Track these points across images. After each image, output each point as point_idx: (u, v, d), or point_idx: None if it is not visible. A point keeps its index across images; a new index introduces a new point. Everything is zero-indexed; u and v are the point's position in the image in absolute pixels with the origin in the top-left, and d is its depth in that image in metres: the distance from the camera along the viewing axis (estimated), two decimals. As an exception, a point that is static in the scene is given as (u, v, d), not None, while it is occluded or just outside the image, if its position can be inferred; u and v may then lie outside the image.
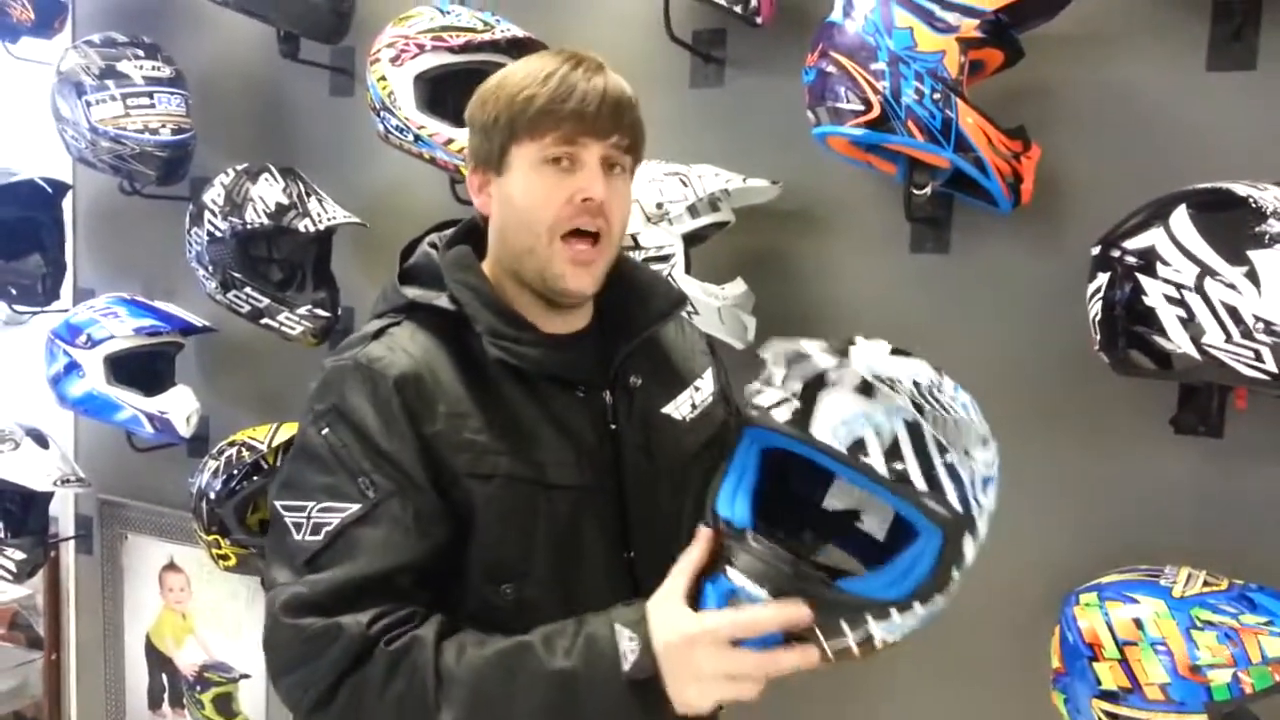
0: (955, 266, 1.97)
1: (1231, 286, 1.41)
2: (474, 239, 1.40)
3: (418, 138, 2.22)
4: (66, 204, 3.04)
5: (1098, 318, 1.56)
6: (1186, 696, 1.41)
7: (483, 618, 1.25)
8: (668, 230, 1.93)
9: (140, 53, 2.68)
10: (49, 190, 2.90)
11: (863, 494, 1.24)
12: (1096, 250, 1.58)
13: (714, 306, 1.93)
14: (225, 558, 2.63)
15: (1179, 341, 1.45)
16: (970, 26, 1.62)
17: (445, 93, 2.20)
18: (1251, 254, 1.40)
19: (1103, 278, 1.55)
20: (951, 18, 1.62)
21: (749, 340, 2.00)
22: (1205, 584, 1.49)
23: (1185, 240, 1.45)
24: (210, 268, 2.51)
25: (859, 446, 1.06)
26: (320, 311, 2.51)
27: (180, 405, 2.69)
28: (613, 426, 1.37)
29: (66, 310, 2.91)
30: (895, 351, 1.17)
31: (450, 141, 2.18)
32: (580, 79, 1.27)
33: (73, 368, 2.69)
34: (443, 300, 1.33)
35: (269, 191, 2.45)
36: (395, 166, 2.47)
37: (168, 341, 2.77)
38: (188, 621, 3.14)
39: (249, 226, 2.44)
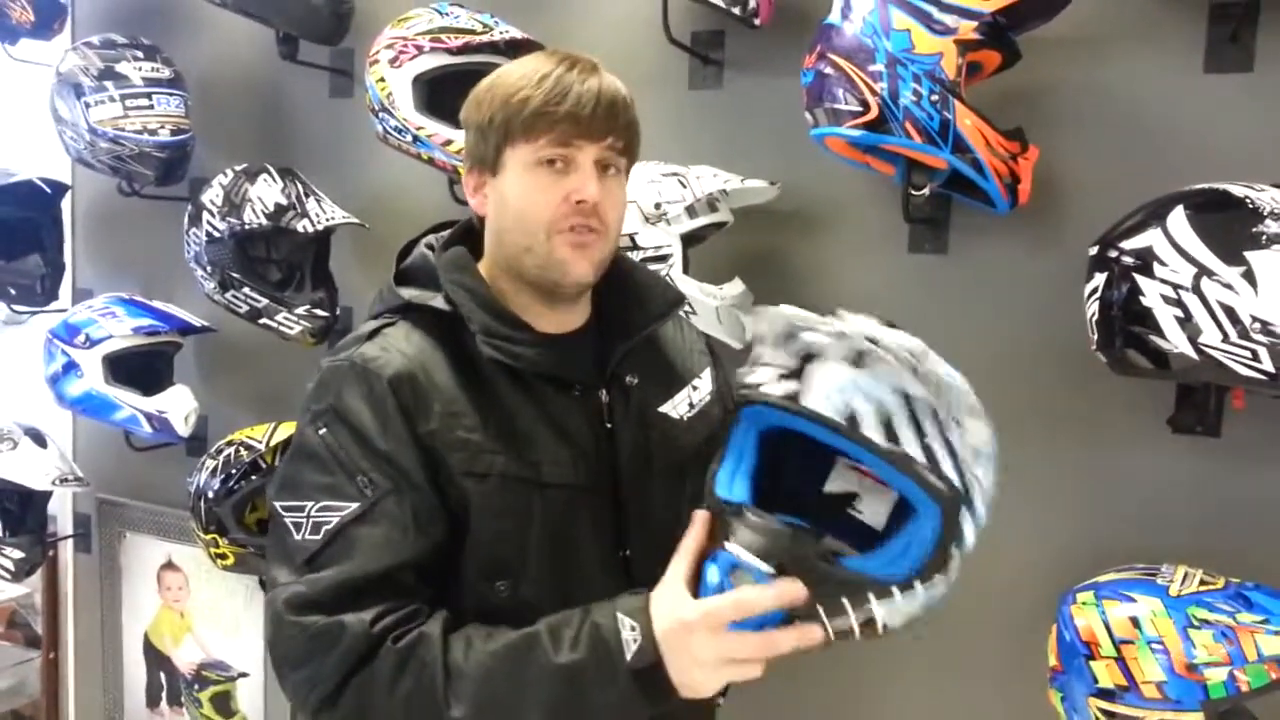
0: (953, 267, 1.98)
1: (1228, 287, 1.41)
2: (470, 240, 1.41)
3: (416, 139, 2.22)
4: (65, 204, 3.03)
5: (1095, 318, 1.57)
6: (1183, 695, 1.42)
7: (479, 615, 1.25)
8: (666, 231, 1.93)
9: (139, 54, 2.68)
10: (48, 191, 2.90)
11: (859, 480, 1.24)
12: (1094, 250, 1.58)
13: (712, 306, 1.94)
14: (223, 557, 2.63)
15: (1176, 341, 1.46)
16: (968, 28, 1.63)
17: (444, 94, 2.20)
18: (1248, 254, 1.41)
19: (1100, 278, 1.55)
20: (949, 20, 1.63)
21: (747, 340, 2.00)
22: (1202, 583, 1.50)
23: (1182, 241, 1.45)
24: (209, 268, 2.51)
25: (853, 417, 1.06)
26: (318, 311, 2.51)
27: (178, 405, 2.68)
28: (609, 426, 1.37)
29: (65, 310, 2.91)
30: (885, 322, 1.16)
31: (449, 143, 2.19)
32: (575, 80, 1.27)
33: (71, 367, 2.69)
34: (438, 301, 1.34)
35: (267, 192, 2.46)
36: (394, 167, 2.48)
37: (166, 341, 2.77)
38: (186, 620, 3.14)
39: (247, 227, 2.44)
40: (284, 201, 2.44)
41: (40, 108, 2.78)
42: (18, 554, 2.92)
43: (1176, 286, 1.45)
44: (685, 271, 1.95)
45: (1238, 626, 1.43)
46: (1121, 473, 1.83)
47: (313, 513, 1.24)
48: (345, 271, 2.61)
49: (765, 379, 1.14)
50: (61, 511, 3.37)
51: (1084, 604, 1.52)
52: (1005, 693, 1.90)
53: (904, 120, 1.63)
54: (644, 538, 1.37)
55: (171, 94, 2.66)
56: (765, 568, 1.10)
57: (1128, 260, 1.51)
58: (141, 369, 2.73)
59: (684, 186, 1.94)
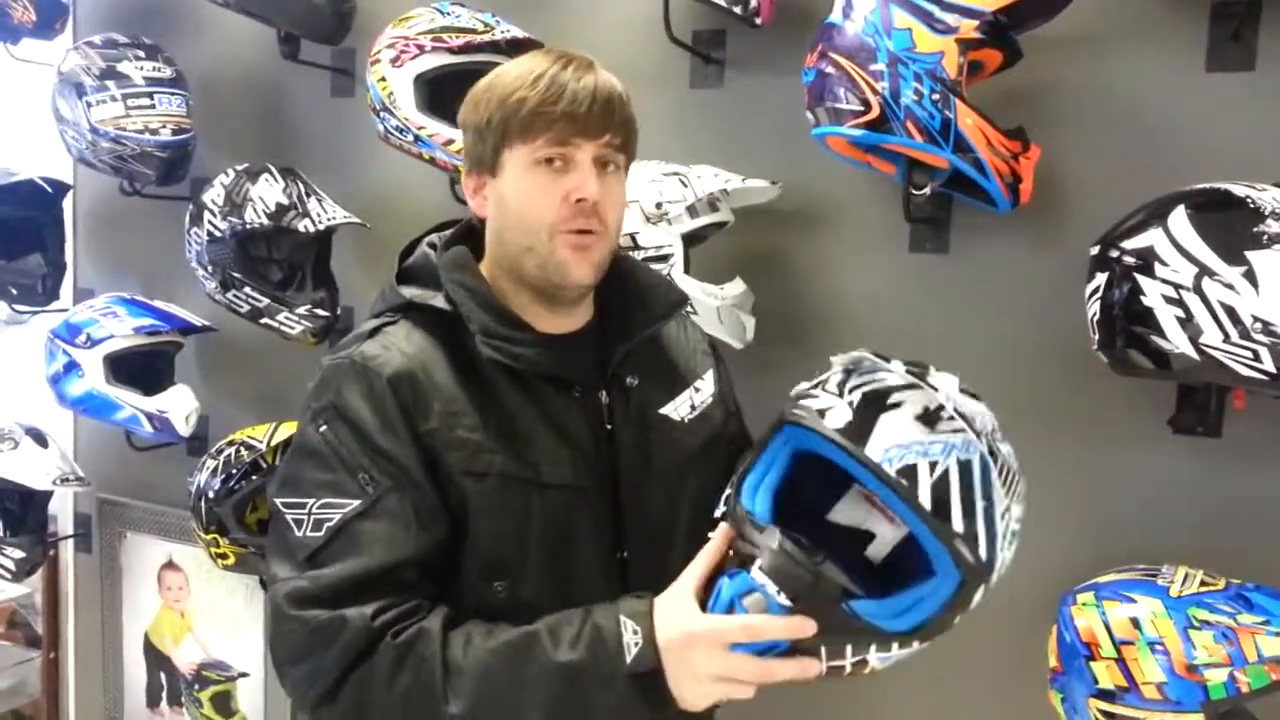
0: (954, 267, 1.98)
1: (1230, 287, 1.41)
2: (472, 239, 1.41)
3: (417, 138, 2.22)
4: (67, 204, 3.03)
5: (1096, 317, 1.57)
6: (1183, 696, 1.41)
7: (477, 615, 1.25)
8: (667, 230, 1.93)
9: (141, 54, 2.69)
10: (49, 190, 2.90)
11: (869, 509, 1.24)
12: (1095, 250, 1.58)
13: (713, 306, 1.94)
14: (224, 557, 2.63)
15: (1177, 341, 1.45)
16: (969, 27, 1.63)
17: (445, 93, 2.19)
18: (1250, 254, 1.41)
19: (1101, 278, 1.55)
20: (950, 19, 1.62)
21: (748, 340, 2.01)
22: (1202, 583, 1.49)
23: (1184, 240, 1.45)
24: (210, 267, 2.51)
25: (909, 473, 1.05)
26: (320, 311, 2.51)
27: (179, 404, 2.68)
28: (609, 427, 1.37)
29: (66, 310, 2.91)
30: (964, 390, 1.16)
31: (450, 142, 2.19)
32: (570, 79, 1.27)
33: (72, 367, 2.69)
34: (439, 300, 1.34)
35: (269, 192, 2.46)
36: (395, 167, 2.48)
37: (167, 341, 2.77)
38: (186, 620, 3.14)
39: (249, 226, 2.44)
40: (285, 201, 2.44)
41: (42, 107, 2.78)
42: (18, 554, 2.93)
43: (1178, 286, 1.45)
44: (686, 271, 1.95)
45: (1238, 628, 1.42)
46: (1122, 473, 1.83)
47: (314, 510, 1.25)
48: (346, 271, 2.61)
49: (826, 406, 1.13)
50: (62, 511, 3.37)
51: (1084, 605, 1.52)
52: (1005, 693, 1.90)
53: (905, 119, 1.63)
54: (642, 539, 1.37)
55: (173, 93, 2.67)
56: (784, 601, 1.09)
57: (1129, 260, 1.50)
58: (142, 369, 2.73)
59: (685, 186, 1.94)
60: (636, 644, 1.15)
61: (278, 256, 2.57)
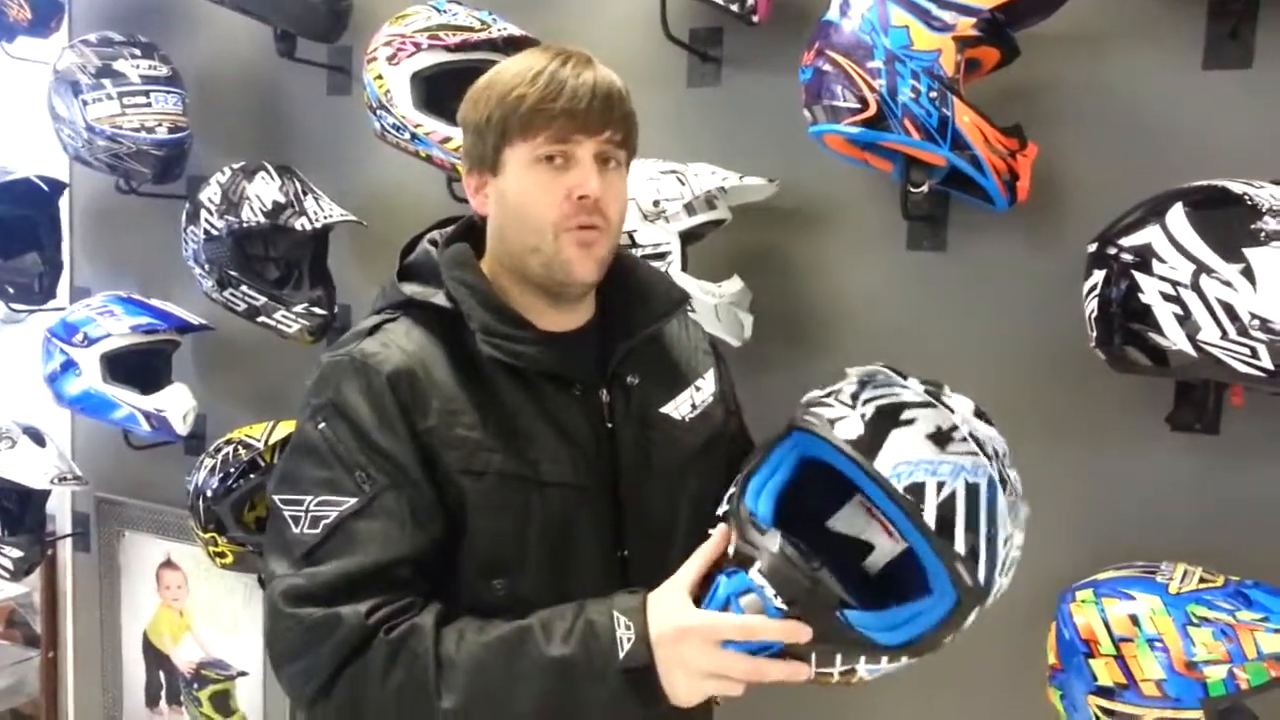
0: (952, 264, 1.97)
1: (1227, 284, 1.41)
2: (473, 236, 1.41)
3: (414, 136, 2.22)
4: (63, 203, 3.04)
5: (1094, 315, 1.57)
6: (1182, 692, 1.41)
7: (476, 614, 1.25)
8: (664, 228, 1.93)
9: (137, 52, 2.68)
10: (45, 189, 2.90)
11: (870, 526, 1.24)
12: (1093, 247, 1.58)
13: (711, 304, 1.93)
14: (222, 555, 2.63)
15: (1175, 338, 1.45)
16: (967, 25, 1.62)
17: (442, 91, 2.19)
18: (1247, 251, 1.41)
19: (1099, 275, 1.55)
20: (948, 16, 1.62)
21: (746, 338, 2.01)
22: (1201, 580, 1.50)
23: (1181, 237, 1.45)
24: (207, 266, 2.51)
25: (916, 491, 1.06)
26: (317, 310, 2.50)
27: (177, 403, 2.68)
28: (609, 425, 1.37)
29: (63, 309, 2.91)
30: (978, 413, 1.16)
31: (447, 140, 2.18)
32: (569, 75, 1.27)
33: (69, 366, 2.69)
34: (439, 298, 1.34)
35: (265, 190, 2.45)
36: (392, 165, 2.47)
37: (164, 340, 2.77)
38: (185, 619, 3.14)
39: (245, 225, 2.43)
40: (282, 199, 2.44)
41: (38, 105, 2.77)
42: (16, 553, 2.93)
43: (1175, 283, 1.45)
44: (684, 269, 1.94)
45: (1237, 624, 1.42)
46: (1120, 470, 1.83)
47: (311, 507, 1.25)
48: (343, 269, 2.61)
49: (839, 416, 1.13)
50: (60, 510, 3.37)
51: (1083, 602, 1.52)
52: (1004, 691, 1.90)
53: (902, 117, 1.63)
54: (642, 538, 1.37)
55: (169, 91, 2.66)
56: (780, 604, 1.10)
57: (1127, 257, 1.50)
58: (140, 367, 2.73)
59: (682, 184, 1.94)
60: (629, 639, 1.16)
61: (275, 255, 2.57)
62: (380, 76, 2.22)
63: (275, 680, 1.28)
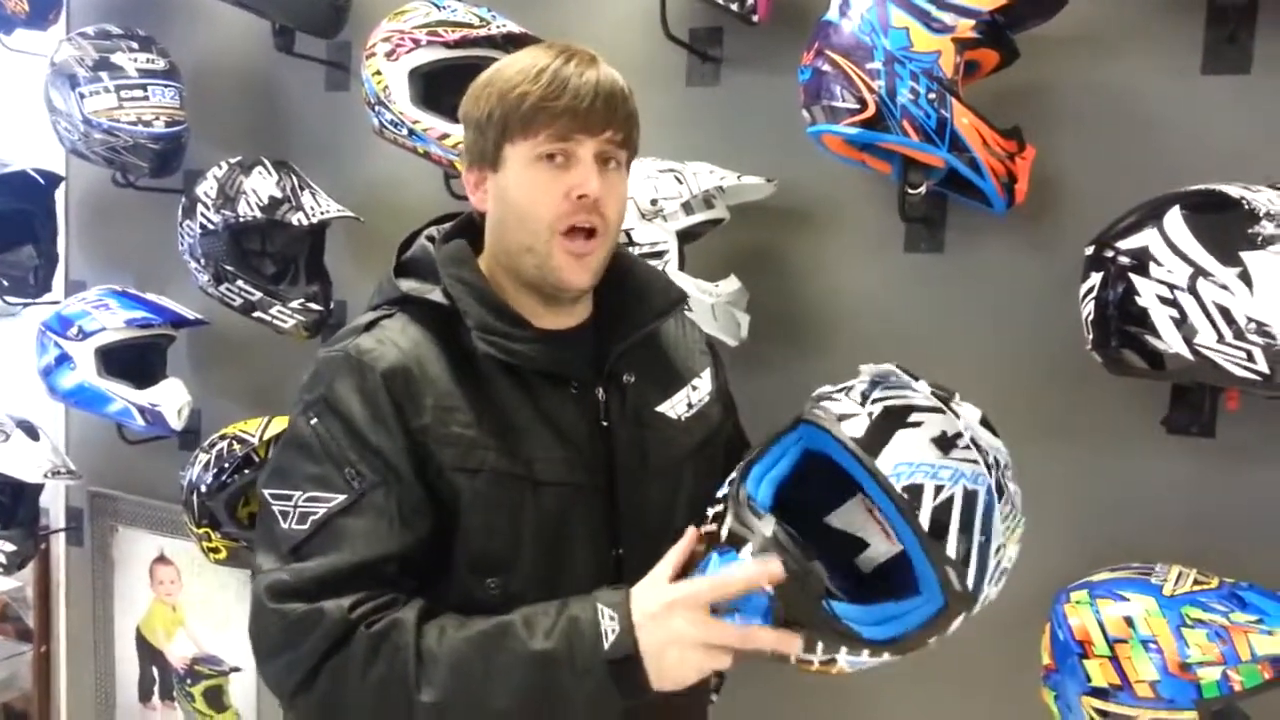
0: (949, 266, 1.98)
1: (1224, 287, 1.41)
2: (471, 233, 1.41)
3: (412, 132, 2.22)
4: (59, 196, 3.03)
5: (1090, 317, 1.57)
6: (1176, 694, 1.42)
7: (468, 611, 1.25)
8: (662, 227, 1.93)
9: (134, 45, 2.68)
10: (41, 182, 2.90)
11: (868, 525, 1.25)
12: (1090, 250, 1.58)
13: (708, 303, 1.93)
14: (216, 551, 2.63)
15: (1171, 342, 1.46)
16: (966, 27, 1.63)
17: (440, 88, 2.19)
18: (1244, 255, 1.41)
19: (1096, 277, 1.55)
20: (947, 18, 1.63)
21: (742, 337, 2.01)
22: (1196, 582, 1.50)
23: (1178, 241, 1.45)
24: (203, 260, 2.50)
25: (914, 492, 1.07)
26: (313, 305, 2.50)
27: (171, 398, 2.67)
28: (605, 424, 1.37)
29: (58, 302, 2.90)
30: (984, 422, 1.16)
31: (445, 136, 2.18)
32: (572, 74, 1.26)
33: (64, 360, 2.69)
34: (436, 294, 1.34)
35: (262, 185, 2.45)
36: (390, 161, 2.47)
37: (159, 334, 2.76)
38: (178, 614, 3.14)
39: (242, 219, 2.43)
40: (279, 194, 2.43)
41: (34, 98, 2.77)
42: (9, 547, 2.92)
43: (1172, 287, 1.45)
44: (681, 268, 1.94)
45: (1231, 626, 1.43)
46: (1116, 472, 1.84)
47: (300, 502, 1.25)
48: (340, 265, 2.61)
49: (847, 412, 1.14)
50: (54, 504, 3.37)
51: (1078, 603, 1.52)
52: (998, 692, 1.90)
53: (901, 118, 1.63)
54: (638, 537, 1.36)
55: (166, 85, 2.66)
56: (768, 589, 1.10)
57: (1124, 260, 1.51)
58: (134, 362, 2.73)
59: (680, 183, 1.94)
60: (614, 630, 1.16)
61: (271, 250, 2.57)
62: (379, 72, 2.22)
63: (260, 672, 1.28)
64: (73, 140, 2.69)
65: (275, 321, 2.50)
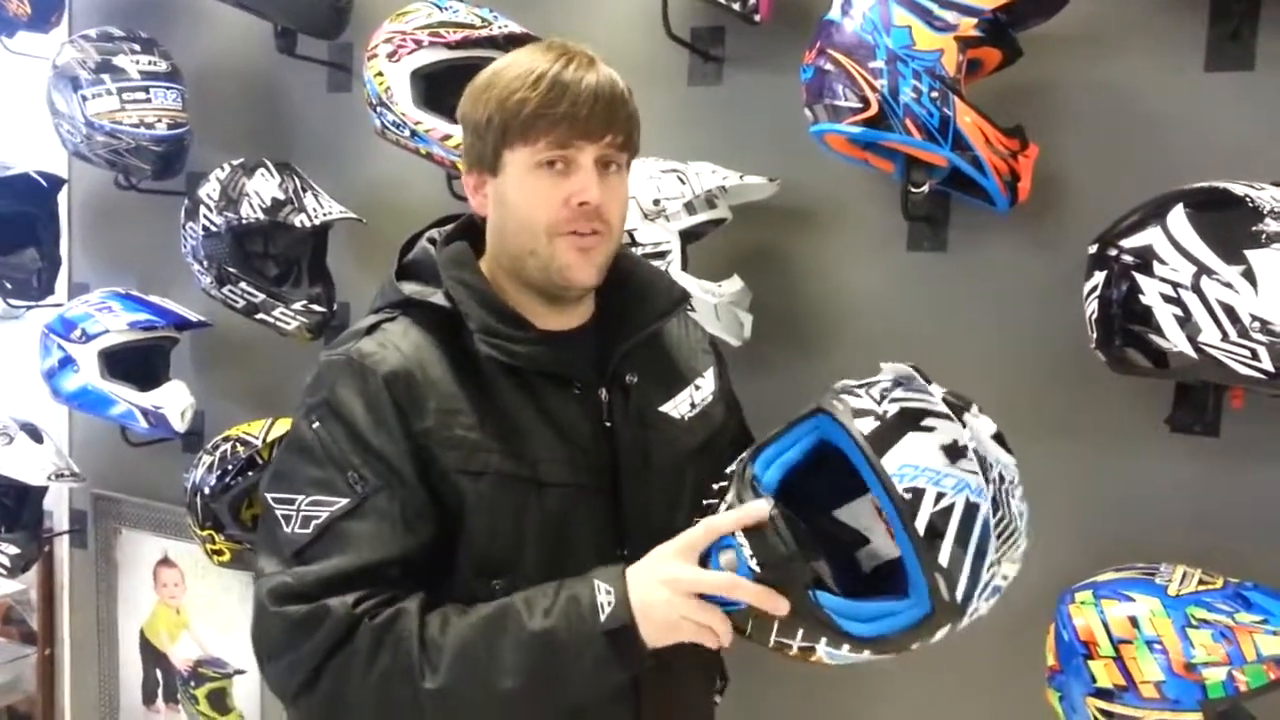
0: (952, 265, 1.97)
1: (1228, 285, 1.41)
2: (472, 234, 1.40)
3: (414, 133, 2.22)
4: (62, 198, 3.04)
5: (1094, 316, 1.56)
6: (1181, 694, 1.41)
7: None
8: (664, 227, 1.93)
9: (136, 47, 2.68)
10: (44, 184, 2.90)
11: (874, 523, 1.25)
12: (1093, 249, 1.58)
13: (711, 303, 1.93)
14: (220, 553, 2.63)
15: (1175, 340, 1.45)
16: (968, 25, 1.62)
17: (442, 89, 2.19)
18: (1248, 253, 1.40)
19: (1099, 276, 1.55)
20: (950, 16, 1.62)
21: (745, 337, 2.00)
22: (1201, 582, 1.49)
23: (1182, 239, 1.45)
24: (205, 263, 2.50)
25: (915, 494, 1.07)
26: (316, 307, 2.50)
27: (175, 400, 2.68)
28: (608, 425, 1.37)
29: (61, 305, 2.90)
30: (998, 438, 1.16)
31: (447, 137, 2.18)
32: (571, 79, 1.26)
33: (67, 362, 2.69)
34: (438, 297, 1.34)
35: (265, 186, 2.45)
36: (392, 162, 2.47)
37: (163, 336, 2.76)
38: (182, 617, 3.14)
39: (244, 221, 2.43)
40: (281, 196, 2.43)
41: (37, 101, 2.77)
42: (13, 549, 2.93)
43: (1176, 285, 1.45)
44: (684, 268, 1.94)
45: (1236, 626, 1.42)
46: (1120, 472, 1.83)
47: (303, 506, 1.25)
48: (343, 267, 2.61)
49: (862, 408, 1.14)
50: (57, 507, 3.37)
51: (1082, 603, 1.52)
52: (1003, 692, 1.89)
53: (904, 117, 1.62)
54: (642, 538, 1.36)
55: (169, 87, 2.66)
56: (754, 566, 1.12)
57: (1127, 259, 1.50)
58: (138, 364, 2.73)
59: (683, 183, 1.94)
60: (609, 604, 1.18)
61: (274, 252, 2.57)
62: (380, 73, 2.22)
63: (263, 675, 1.28)
64: (75, 143, 2.69)
65: (278, 323, 2.50)
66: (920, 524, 1.06)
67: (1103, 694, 1.46)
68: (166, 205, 2.82)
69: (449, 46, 2.18)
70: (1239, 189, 1.46)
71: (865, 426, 1.12)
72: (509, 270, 1.35)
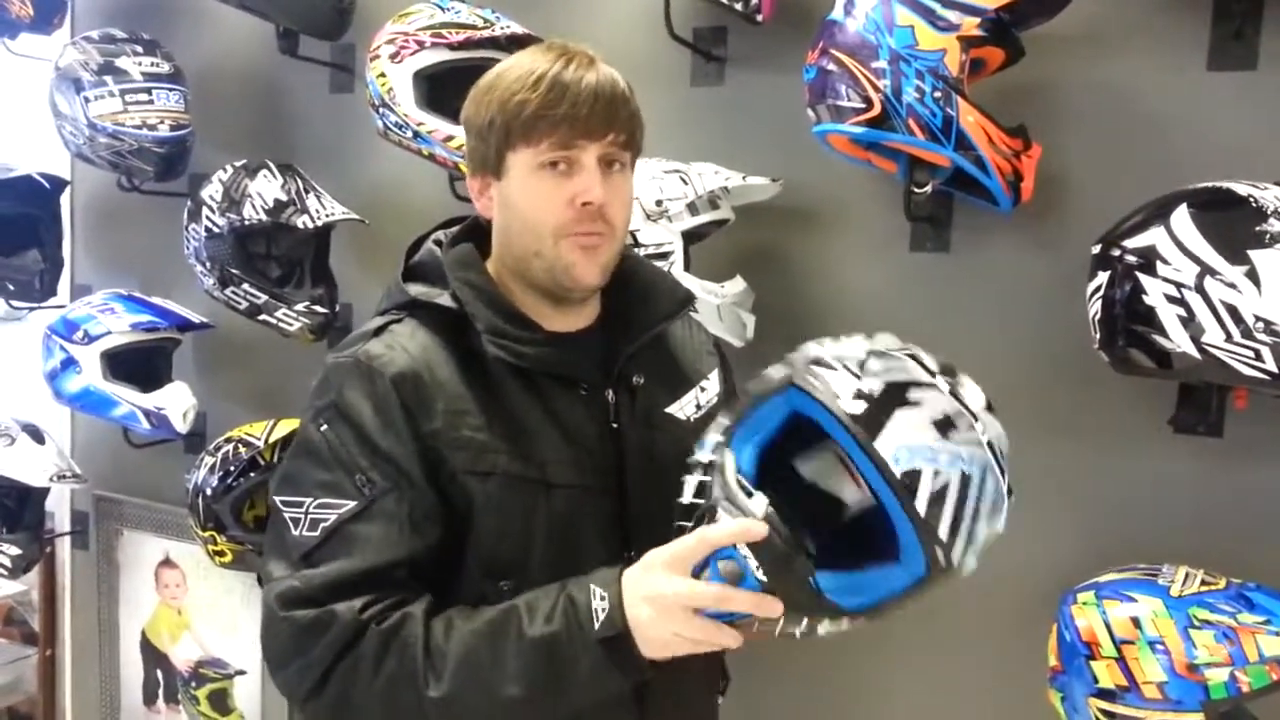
0: (955, 265, 1.97)
1: (1232, 286, 1.41)
2: (478, 236, 1.40)
3: (417, 134, 2.22)
4: (64, 200, 3.03)
5: (1098, 316, 1.56)
6: (1183, 695, 1.41)
7: None
8: (667, 227, 1.93)
9: (139, 49, 2.68)
10: (47, 186, 2.89)
11: (839, 475, 1.21)
12: (1097, 249, 1.58)
13: (713, 304, 1.93)
14: (221, 554, 2.63)
15: (1179, 341, 1.45)
16: (971, 25, 1.62)
17: (445, 89, 2.19)
18: (1252, 253, 1.41)
19: (1103, 276, 1.55)
20: (953, 16, 1.62)
21: (748, 338, 2.00)
22: (1203, 583, 1.49)
23: (1186, 239, 1.45)
24: (208, 264, 2.50)
25: (912, 477, 1.04)
26: (318, 308, 2.50)
27: (177, 401, 2.68)
28: (614, 426, 1.37)
29: (64, 306, 2.90)
30: (988, 406, 1.14)
31: (450, 138, 2.18)
32: (571, 79, 1.26)
33: (70, 363, 2.69)
34: (445, 299, 1.34)
35: (267, 188, 2.45)
36: (394, 163, 2.47)
37: (165, 338, 2.76)
38: (183, 617, 3.14)
39: (247, 223, 2.43)
40: (284, 197, 2.43)
41: (39, 103, 2.77)
42: (15, 550, 2.93)
43: (1179, 285, 1.45)
44: (686, 269, 1.94)
45: (1239, 627, 1.42)
46: (1123, 472, 1.83)
47: (311, 509, 1.25)
48: (345, 268, 2.61)
49: (845, 387, 1.10)
50: (59, 508, 3.37)
51: (1085, 604, 1.52)
52: (1005, 693, 1.89)
53: (907, 117, 1.62)
54: (649, 539, 1.35)
55: (171, 89, 2.66)
56: (761, 577, 1.09)
57: (1131, 259, 1.50)
58: (140, 365, 2.73)
59: (685, 183, 1.94)
60: (604, 610, 1.16)
61: (276, 253, 2.57)
62: (383, 74, 2.22)
63: (273, 679, 1.28)
64: (78, 144, 2.69)
65: (281, 324, 2.50)
66: (920, 505, 1.05)
67: (1105, 694, 1.46)
68: (169, 207, 2.83)
69: (451, 47, 2.18)
70: (1242, 189, 1.46)
71: (852, 409, 1.07)
72: (515, 272, 1.35)
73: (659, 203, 1.92)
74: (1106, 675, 1.46)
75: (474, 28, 2.18)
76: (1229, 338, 1.42)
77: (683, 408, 1.45)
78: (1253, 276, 1.40)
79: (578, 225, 1.28)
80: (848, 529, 1.19)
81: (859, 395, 1.08)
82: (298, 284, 2.55)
